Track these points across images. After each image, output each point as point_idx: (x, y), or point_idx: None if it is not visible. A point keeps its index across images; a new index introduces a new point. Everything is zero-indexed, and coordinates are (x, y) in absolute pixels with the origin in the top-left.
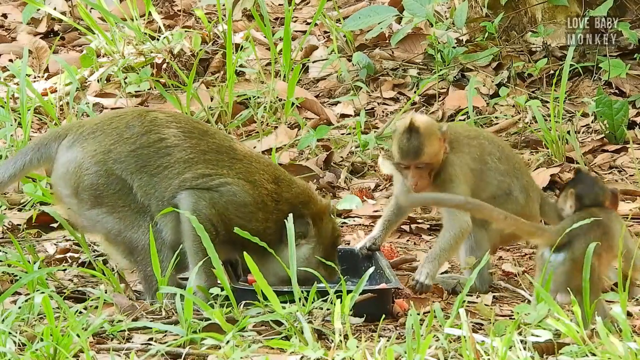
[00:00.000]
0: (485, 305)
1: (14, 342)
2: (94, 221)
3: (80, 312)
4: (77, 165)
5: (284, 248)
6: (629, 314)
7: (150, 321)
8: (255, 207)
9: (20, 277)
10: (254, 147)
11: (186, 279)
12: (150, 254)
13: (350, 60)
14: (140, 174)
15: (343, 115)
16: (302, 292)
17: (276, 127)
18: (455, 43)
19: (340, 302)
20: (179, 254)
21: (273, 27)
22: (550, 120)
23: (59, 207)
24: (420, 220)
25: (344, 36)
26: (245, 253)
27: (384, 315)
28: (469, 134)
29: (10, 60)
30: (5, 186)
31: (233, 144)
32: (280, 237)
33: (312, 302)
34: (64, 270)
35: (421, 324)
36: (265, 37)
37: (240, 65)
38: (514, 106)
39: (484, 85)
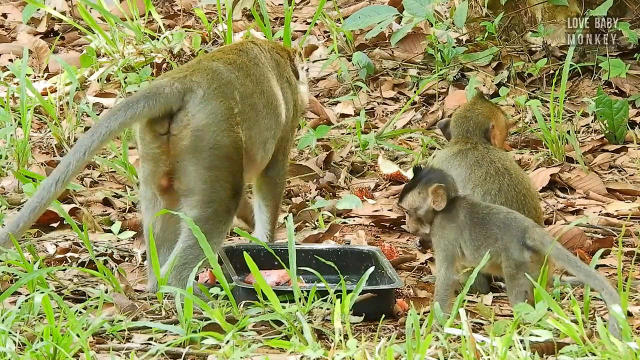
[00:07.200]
0: (485, 305)
1: (14, 342)
2: (201, 181)
3: (80, 312)
4: (217, 120)
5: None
6: (629, 314)
7: (150, 321)
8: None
9: (20, 277)
10: None
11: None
12: (157, 251)
13: (350, 60)
14: None
15: (343, 115)
16: (302, 291)
17: None
18: (455, 43)
19: (340, 302)
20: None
21: (273, 27)
22: (550, 120)
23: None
24: None
25: (344, 36)
26: (245, 253)
27: (384, 315)
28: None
29: (10, 60)
30: (115, 134)
31: None
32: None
33: (312, 302)
34: (64, 270)
35: (421, 324)
36: (265, 37)
37: None
38: (514, 106)
39: (484, 85)
